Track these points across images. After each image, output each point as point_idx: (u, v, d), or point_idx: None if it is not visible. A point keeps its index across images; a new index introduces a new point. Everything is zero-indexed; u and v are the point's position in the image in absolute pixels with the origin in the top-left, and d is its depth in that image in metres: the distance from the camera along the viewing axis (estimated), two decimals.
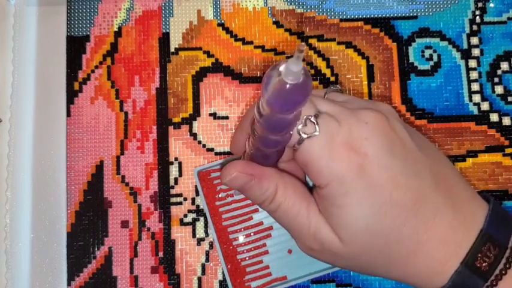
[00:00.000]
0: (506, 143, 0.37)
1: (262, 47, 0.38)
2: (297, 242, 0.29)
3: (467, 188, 0.29)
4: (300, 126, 0.26)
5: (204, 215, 0.36)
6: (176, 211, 0.36)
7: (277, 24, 0.39)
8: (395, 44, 0.38)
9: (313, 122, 0.25)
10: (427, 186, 0.26)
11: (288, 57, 0.38)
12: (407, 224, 0.26)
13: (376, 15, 0.39)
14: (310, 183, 0.30)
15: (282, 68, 0.21)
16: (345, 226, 0.26)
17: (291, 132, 0.25)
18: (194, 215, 0.36)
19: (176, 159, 0.37)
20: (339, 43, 0.38)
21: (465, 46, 0.39)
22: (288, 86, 0.21)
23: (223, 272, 0.35)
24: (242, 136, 0.29)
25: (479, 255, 0.26)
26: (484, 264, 0.26)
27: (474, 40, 0.39)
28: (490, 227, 0.27)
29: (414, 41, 0.38)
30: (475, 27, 0.39)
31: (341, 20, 0.39)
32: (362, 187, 0.25)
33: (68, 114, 0.37)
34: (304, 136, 0.26)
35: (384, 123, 0.26)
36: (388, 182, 0.26)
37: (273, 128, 0.24)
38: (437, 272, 0.27)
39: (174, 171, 0.37)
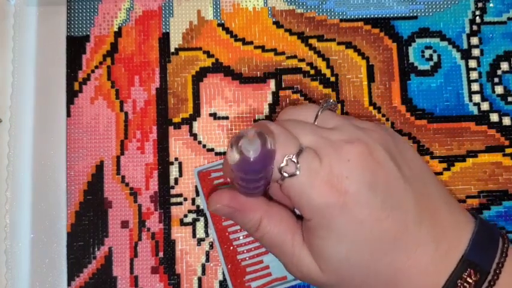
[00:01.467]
0: (507, 143, 0.37)
1: (262, 47, 0.38)
2: (285, 267, 0.31)
3: (453, 211, 0.29)
4: (282, 164, 0.27)
5: (204, 215, 0.36)
6: (176, 211, 0.36)
7: (277, 24, 0.39)
8: (395, 44, 0.38)
9: (294, 162, 0.27)
10: (409, 220, 0.27)
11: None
12: (387, 257, 0.27)
13: (376, 16, 0.39)
14: (297, 212, 0.31)
15: (240, 143, 0.23)
16: (325, 257, 0.28)
17: (271, 172, 0.27)
18: (194, 215, 0.36)
19: (176, 159, 0.37)
20: (339, 43, 0.38)
21: (465, 46, 0.39)
22: (246, 158, 0.23)
23: (223, 272, 0.35)
24: (228, 169, 0.30)
25: (460, 281, 0.26)
26: None
27: (474, 40, 0.39)
28: (472, 252, 0.27)
29: (414, 41, 0.39)
30: (475, 28, 0.39)
31: (341, 20, 0.39)
32: (343, 223, 0.26)
33: (68, 114, 0.37)
34: (286, 175, 0.27)
35: (367, 159, 0.27)
36: (368, 218, 0.26)
37: (248, 182, 0.27)
38: None
39: (174, 171, 0.37)
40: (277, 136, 0.27)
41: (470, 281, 0.26)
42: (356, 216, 0.26)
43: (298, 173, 0.27)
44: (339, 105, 0.38)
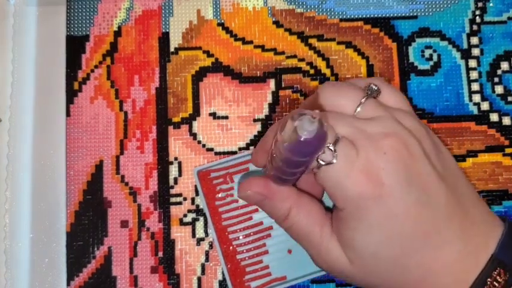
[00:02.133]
0: (506, 142, 0.37)
1: (262, 47, 0.38)
2: (311, 258, 0.30)
3: (482, 212, 0.29)
4: (321, 154, 0.26)
5: (204, 215, 0.36)
6: (176, 211, 0.36)
7: (277, 24, 0.39)
8: (395, 43, 0.38)
9: (331, 150, 0.26)
10: (440, 218, 0.27)
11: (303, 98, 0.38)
12: (416, 253, 0.27)
13: (376, 15, 0.39)
14: (326, 203, 0.31)
15: (296, 123, 0.22)
16: (356, 249, 0.27)
17: (315, 158, 0.26)
18: (194, 215, 0.36)
19: (176, 159, 0.37)
20: (338, 43, 0.38)
21: (465, 46, 0.38)
22: (301, 139, 0.23)
23: (223, 272, 0.35)
24: (262, 155, 0.30)
25: (489, 280, 0.26)
26: None
27: (474, 40, 0.39)
28: (502, 251, 0.27)
29: (414, 41, 0.38)
30: (475, 27, 0.39)
31: (341, 20, 0.39)
32: (376, 215, 0.26)
33: (68, 114, 0.37)
34: (322, 163, 0.26)
35: (403, 152, 0.27)
36: (402, 213, 0.26)
37: (290, 165, 0.26)
38: None
39: (173, 171, 0.37)
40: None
41: (500, 280, 0.26)
42: (390, 210, 0.26)
43: (334, 161, 0.26)
44: None
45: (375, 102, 0.29)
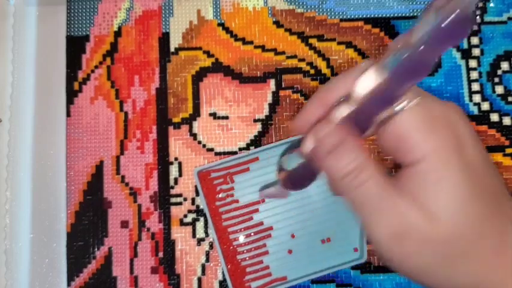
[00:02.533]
0: (507, 143, 0.37)
1: (262, 47, 0.38)
2: (373, 232, 0.25)
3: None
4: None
5: (204, 215, 0.36)
6: (176, 211, 0.36)
7: (277, 24, 0.39)
8: None
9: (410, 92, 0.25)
10: (504, 191, 0.26)
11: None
12: (495, 216, 0.25)
13: (376, 15, 0.39)
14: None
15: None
16: (438, 204, 0.24)
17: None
18: (194, 215, 0.36)
19: (176, 159, 0.37)
20: (339, 43, 0.38)
21: (465, 46, 0.38)
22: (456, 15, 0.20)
23: (223, 272, 0.35)
24: (317, 110, 0.27)
25: None
26: None
27: (474, 40, 0.39)
28: None
29: None
30: (475, 27, 0.39)
31: (341, 20, 0.39)
32: (459, 166, 0.24)
33: (68, 114, 0.37)
34: (404, 104, 0.25)
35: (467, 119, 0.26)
36: (481, 167, 0.25)
37: (414, 69, 0.23)
38: None
39: (174, 171, 0.37)
40: None
41: None
42: (472, 162, 0.25)
43: (416, 101, 0.25)
44: None
45: None
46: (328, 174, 0.26)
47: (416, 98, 0.25)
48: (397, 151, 0.26)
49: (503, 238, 0.25)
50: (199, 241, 0.36)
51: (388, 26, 0.39)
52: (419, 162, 0.25)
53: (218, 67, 0.38)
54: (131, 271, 0.36)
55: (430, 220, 0.24)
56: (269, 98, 0.38)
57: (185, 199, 0.36)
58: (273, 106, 0.38)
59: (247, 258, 0.35)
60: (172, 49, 0.38)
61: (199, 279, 0.36)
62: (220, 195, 0.36)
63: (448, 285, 0.26)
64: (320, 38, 0.38)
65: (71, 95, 0.37)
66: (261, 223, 0.36)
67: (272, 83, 0.38)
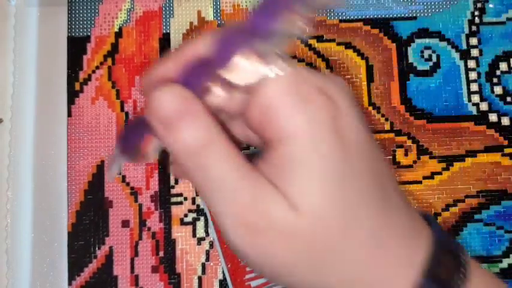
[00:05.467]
0: (505, 143, 0.37)
1: None
2: (224, 223, 0.21)
3: (410, 214, 0.23)
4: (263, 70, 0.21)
5: (205, 215, 0.36)
6: (176, 211, 0.36)
7: None
8: (394, 44, 0.39)
9: (281, 59, 0.21)
10: (386, 183, 0.22)
11: None
12: (372, 202, 0.21)
13: (375, 16, 0.39)
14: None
15: None
16: (302, 192, 0.20)
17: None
18: (194, 215, 0.36)
19: None
20: (338, 44, 0.39)
21: (464, 46, 0.39)
22: None
23: (223, 271, 0.36)
24: (172, 68, 0.22)
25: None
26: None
27: (473, 40, 0.39)
28: (431, 271, 0.22)
29: (413, 42, 0.39)
30: (474, 28, 0.39)
31: (341, 21, 0.39)
32: (330, 147, 0.20)
33: (69, 114, 0.37)
34: (272, 72, 0.21)
35: (350, 92, 0.23)
36: (360, 148, 0.21)
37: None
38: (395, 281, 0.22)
39: None
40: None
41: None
42: (347, 136, 0.21)
43: (287, 69, 0.21)
44: None
45: None
46: (169, 150, 0.22)
47: (286, 66, 0.21)
48: (263, 129, 0.21)
49: (385, 227, 0.21)
50: (200, 240, 0.36)
51: (387, 26, 0.39)
52: (284, 143, 0.21)
53: None
54: (132, 270, 0.36)
55: (294, 211, 0.20)
56: None
57: (185, 199, 0.37)
58: None
59: None
60: (172, 50, 0.38)
61: (200, 278, 0.36)
62: None
63: (319, 286, 0.22)
64: (320, 39, 0.39)
65: (72, 95, 0.38)
66: None
67: None
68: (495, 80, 0.38)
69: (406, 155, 0.37)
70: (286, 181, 0.20)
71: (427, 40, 0.39)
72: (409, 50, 0.39)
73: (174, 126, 0.21)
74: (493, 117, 0.38)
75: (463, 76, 0.38)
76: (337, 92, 0.21)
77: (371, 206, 0.21)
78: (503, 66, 0.38)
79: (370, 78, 0.38)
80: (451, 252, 0.23)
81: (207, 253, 0.36)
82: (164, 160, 0.25)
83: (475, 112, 0.38)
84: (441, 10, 0.39)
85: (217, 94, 0.21)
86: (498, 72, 0.38)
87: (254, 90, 0.21)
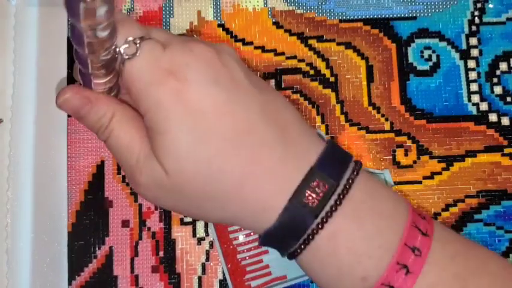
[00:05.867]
0: (505, 143, 0.37)
1: (262, 48, 0.39)
2: (128, 179, 0.28)
3: (304, 129, 0.28)
4: (123, 46, 0.26)
5: None
6: None
7: (277, 24, 0.39)
8: (394, 44, 0.39)
9: (135, 44, 0.26)
10: (255, 119, 0.26)
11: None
12: (232, 153, 0.26)
13: (375, 16, 0.39)
14: None
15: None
16: (167, 154, 0.26)
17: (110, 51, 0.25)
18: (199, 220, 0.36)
19: None
20: (338, 44, 0.39)
21: (464, 47, 0.39)
22: None
23: (223, 271, 0.36)
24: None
25: (308, 191, 0.26)
26: (312, 201, 0.26)
27: (473, 41, 0.39)
28: (321, 164, 0.27)
29: (413, 42, 0.39)
30: (474, 28, 0.39)
31: (341, 21, 0.39)
32: (181, 112, 0.25)
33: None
34: (126, 57, 0.26)
35: (211, 54, 0.26)
36: (210, 110, 0.25)
37: (82, 59, 0.25)
38: (265, 207, 0.26)
39: None
40: (122, 19, 0.26)
41: (318, 191, 0.26)
42: (196, 106, 0.25)
43: (137, 54, 0.26)
44: (338, 105, 0.38)
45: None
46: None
47: (149, 47, 0.26)
48: (133, 100, 0.27)
49: (246, 170, 0.26)
50: (200, 240, 0.36)
51: (387, 26, 0.39)
52: (147, 113, 0.26)
53: None
54: (132, 270, 0.36)
55: (162, 170, 0.26)
56: None
57: None
58: None
59: (247, 258, 0.35)
60: None
61: (200, 278, 0.36)
62: None
63: (215, 219, 0.30)
64: (320, 39, 0.39)
65: None
66: None
67: (272, 83, 0.38)
68: (495, 80, 0.38)
69: (406, 155, 0.37)
70: (157, 150, 0.26)
71: (427, 40, 0.39)
72: (409, 50, 0.39)
73: (80, 115, 0.28)
74: (493, 117, 0.38)
75: (463, 76, 0.38)
76: (187, 70, 0.26)
77: (268, 129, 0.26)
78: (503, 66, 0.38)
79: (370, 78, 0.38)
80: (341, 149, 0.29)
81: (207, 253, 0.36)
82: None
83: (475, 112, 0.38)
84: (441, 10, 0.39)
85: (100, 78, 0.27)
86: (498, 72, 0.38)
87: (123, 69, 0.26)
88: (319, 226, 0.26)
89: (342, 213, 0.26)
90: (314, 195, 0.26)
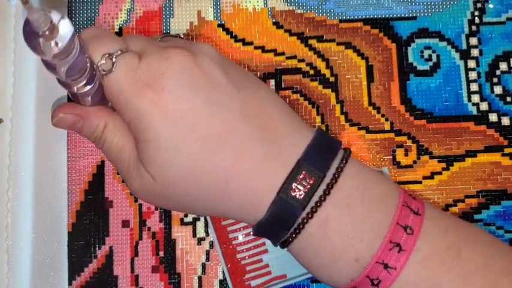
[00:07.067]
0: (505, 142, 0.37)
1: (262, 48, 0.39)
2: (129, 185, 0.30)
3: (290, 121, 0.29)
4: (100, 62, 0.27)
5: None
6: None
7: (277, 25, 0.39)
8: (394, 44, 0.39)
9: (111, 59, 0.27)
10: (235, 119, 0.27)
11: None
12: (214, 155, 0.27)
13: (375, 16, 0.39)
14: None
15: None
16: (151, 162, 0.27)
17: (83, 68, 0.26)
18: (194, 215, 0.36)
19: None
20: (338, 44, 0.39)
21: (464, 46, 0.39)
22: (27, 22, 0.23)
23: (223, 271, 0.36)
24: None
25: (294, 184, 0.27)
26: (299, 193, 0.27)
27: (473, 40, 0.39)
28: (308, 156, 0.27)
29: (413, 42, 0.39)
30: (474, 28, 0.39)
31: (341, 21, 0.39)
32: (161, 121, 0.26)
33: None
34: (103, 72, 0.27)
35: (186, 58, 0.27)
36: (189, 115, 0.26)
37: (62, 83, 0.27)
38: (253, 203, 0.27)
39: None
40: (97, 36, 0.28)
41: (305, 183, 0.27)
42: (174, 113, 0.26)
43: (114, 69, 0.27)
44: (338, 105, 0.38)
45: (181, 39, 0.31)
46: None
47: (126, 60, 0.27)
48: (116, 109, 0.29)
49: (230, 169, 0.27)
50: (200, 240, 0.36)
51: (387, 26, 0.39)
52: (130, 124, 0.28)
53: None
54: (132, 270, 0.36)
55: (150, 176, 0.28)
56: None
57: None
58: None
59: (246, 257, 0.35)
60: None
61: (200, 278, 0.36)
62: None
63: (208, 214, 0.33)
64: (320, 39, 0.39)
65: None
66: None
67: (272, 83, 0.38)
68: (495, 79, 0.38)
69: (406, 155, 0.37)
70: (140, 153, 0.27)
71: (427, 40, 0.39)
72: (409, 50, 0.39)
73: (76, 130, 0.30)
74: (493, 117, 0.38)
75: (463, 76, 0.38)
76: (163, 79, 0.26)
77: (249, 129, 0.27)
78: (503, 66, 0.38)
79: (370, 79, 0.38)
80: (330, 138, 0.29)
81: (207, 253, 0.36)
82: None
83: (475, 112, 0.38)
84: (441, 10, 0.39)
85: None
86: (498, 72, 0.38)
87: (104, 82, 0.28)
88: (309, 216, 0.27)
89: (331, 201, 0.27)
90: (301, 188, 0.27)
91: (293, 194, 0.27)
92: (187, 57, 0.27)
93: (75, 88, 0.27)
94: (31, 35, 0.23)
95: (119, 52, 0.27)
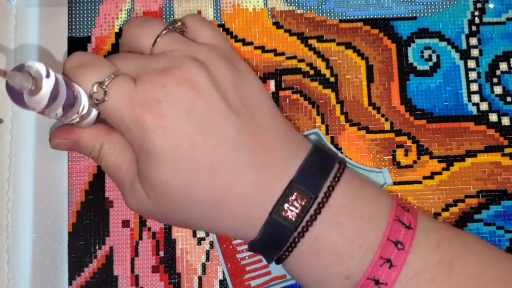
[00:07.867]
0: (505, 143, 0.37)
1: (262, 48, 0.39)
2: (127, 202, 0.31)
3: (287, 142, 0.29)
4: (92, 91, 0.27)
5: None
6: None
7: (277, 25, 0.39)
8: (394, 44, 0.39)
9: (102, 88, 0.27)
10: (228, 147, 0.27)
11: None
12: (205, 182, 0.28)
13: (375, 16, 0.39)
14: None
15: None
16: (148, 182, 0.28)
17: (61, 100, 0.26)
18: None
19: None
20: (338, 44, 0.39)
21: (464, 47, 0.39)
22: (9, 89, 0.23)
23: (223, 271, 0.36)
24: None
25: (286, 205, 0.27)
26: (292, 214, 0.27)
27: (473, 41, 0.39)
28: (301, 176, 0.28)
29: (413, 42, 0.39)
30: (474, 28, 0.39)
31: (340, 21, 0.39)
32: (159, 146, 0.27)
33: None
34: (96, 102, 0.28)
35: (184, 85, 0.27)
36: (185, 142, 0.27)
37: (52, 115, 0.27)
38: (245, 226, 0.28)
39: None
40: (86, 63, 0.28)
41: (297, 205, 0.27)
42: (172, 140, 0.27)
43: (106, 98, 0.27)
44: (338, 105, 0.38)
45: (174, 36, 0.30)
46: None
47: (120, 86, 0.27)
48: (118, 132, 0.30)
49: (221, 195, 0.28)
50: (200, 240, 0.36)
51: (387, 26, 0.39)
52: (132, 145, 0.29)
53: None
54: (132, 270, 0.36)
55: (147, 195, 0.29)
56: None
57: None
58: None
59: (246, 257, 0.35)
60: None
61: (200, 278, 0.36)
62: None
63: (203, 230, 0.34)
64: (320, 39, 0.39)
65: None
66: None
67: (272, 83, 0.38)
68: (495, 80, 0.38)
69: (406, 155, 0.37)
70: (139, 172, 0.29)
71: (427, 40, 0.39)
72: (409, 50, 0.39)
73: (74, 151, 0.33)
74: (493, 117, 0.38)
75: (463, 76, 0.38)
76: (161, 106, 0.27)
77: (240, 156, 0.28)
78: (503, 66, 0.38)
79: (370, 79, 0.38)
80: (325, 155, 0.30)
81: (207, 253, 0.36)
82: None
83: (475, 112, 0.38)
84: (441, 10, 0.39)
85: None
86: (498, 72, 0.38)
87: (100, 109, 0.29)
88: (300, 235, 0.27)
89: (322, 220, 0.28)
90: (293, 209, 0.27)
91: (285, 215, 0.27)
92: (185, 84, 0.28)
93: (71, 120, 0.28)
94: (15, 94, 0.23)
95: (111, 77, 0.27)
